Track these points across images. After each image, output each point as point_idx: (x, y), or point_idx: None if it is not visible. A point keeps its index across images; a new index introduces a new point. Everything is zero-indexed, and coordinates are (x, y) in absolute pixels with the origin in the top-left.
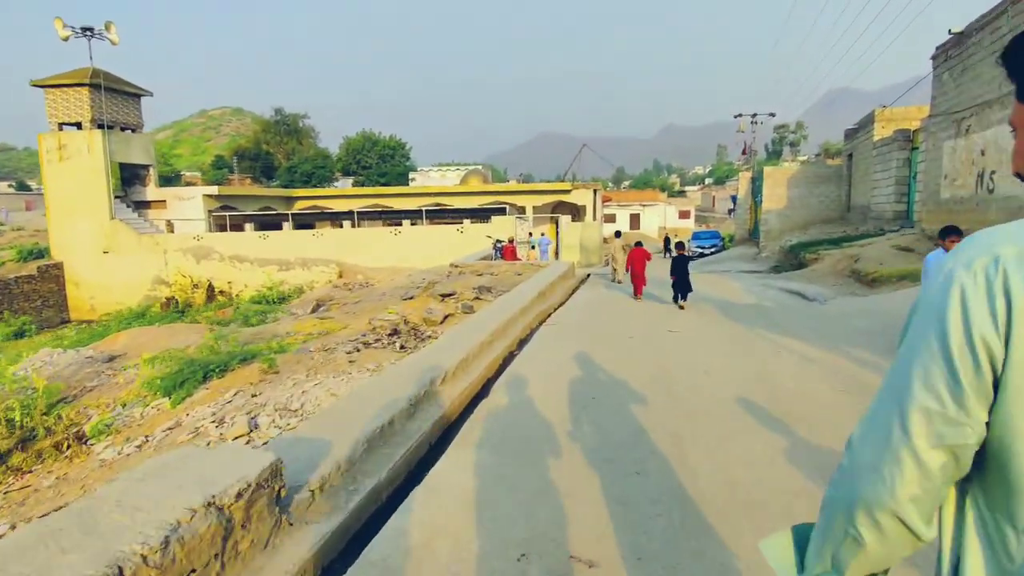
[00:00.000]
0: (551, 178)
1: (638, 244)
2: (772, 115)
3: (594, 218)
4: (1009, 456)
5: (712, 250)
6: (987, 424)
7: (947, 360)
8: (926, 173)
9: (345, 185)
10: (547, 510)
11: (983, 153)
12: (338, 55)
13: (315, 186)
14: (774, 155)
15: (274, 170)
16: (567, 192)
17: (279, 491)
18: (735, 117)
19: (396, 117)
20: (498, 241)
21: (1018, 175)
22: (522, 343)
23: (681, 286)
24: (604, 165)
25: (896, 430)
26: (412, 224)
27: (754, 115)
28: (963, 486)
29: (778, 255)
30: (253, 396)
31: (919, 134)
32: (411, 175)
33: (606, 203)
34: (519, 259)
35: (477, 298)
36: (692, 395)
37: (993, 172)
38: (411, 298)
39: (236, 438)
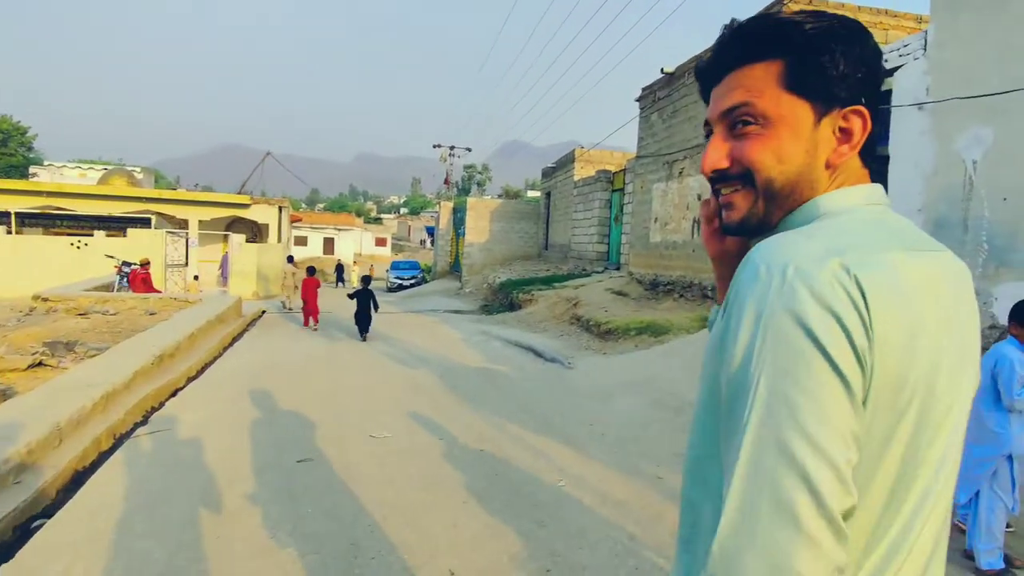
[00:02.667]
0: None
1: (310, 272)
2: (469, 150)
3: (279, 239)
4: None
5: (412, 282)
6: None
7: (848, 389)
8: (634, 215)
9: None
10: None
11: (699, 198)
12: None
13: None
14: (463, 192)
15: None
16: (245, 207)
17: None
18: (434, 147)
19: (36, 103)
20: (126, 264)
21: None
22: (82, 476)
23: (362, 320)
24: (298, 184)
25: (802, 501)
26: (8, 232)
27: (452, 147)
28: None
29: (486, 292)
30: None
31: (621, 175)
32: (32, 170)
33: (296, 224)
34: (158, 291)
35: (40, 364)
36: None
37: None
38: None
39: None
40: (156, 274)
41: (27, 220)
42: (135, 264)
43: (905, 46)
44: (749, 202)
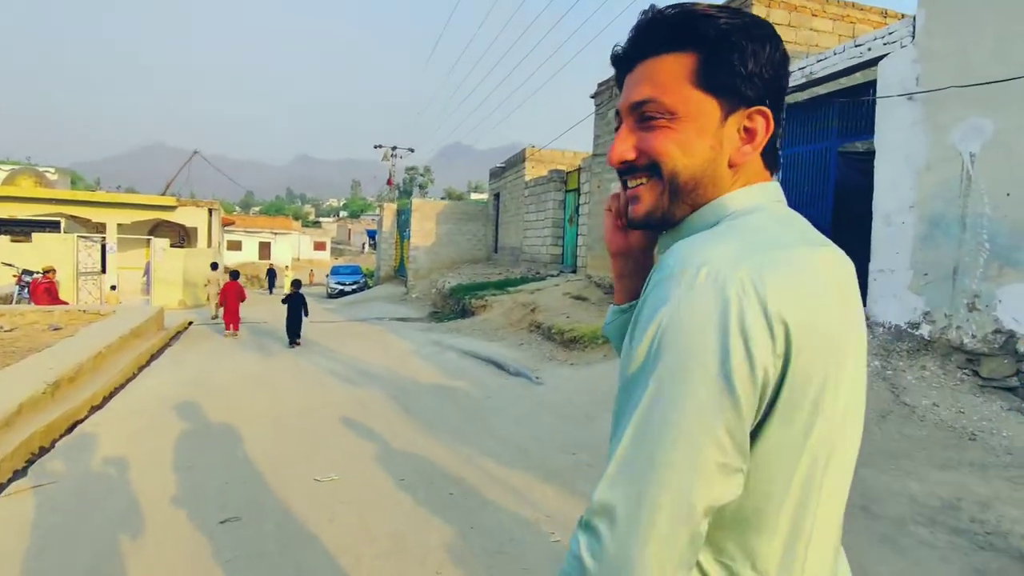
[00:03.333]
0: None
1: (233, 277)
2: (412, 150)
3: (209, 244)
4: (761, 488)
5: (354, 287)
6: None
7: (733, 399)
8: (591, 216)
9: None
10: None
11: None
12: None
13: None
14: (405, 194)
15: None
16: (171, 208)
17: None
18: (376, 147)
19: None
20: (27, 272)
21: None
22: None
23: (293, 326)
24: (231, 186)
25: (676, 503)
26: None
27: (394, 148)
28: None
29: (435, 298)
30: None
31: (575, 175)
32: None
33: (229, 227)
34: (64, 302)
35: None
36: None
37: None
38: None
39: None
40: (65, 283)
41: None
42: (37, 273)
43: (890, 33)
44: (655, 195)
